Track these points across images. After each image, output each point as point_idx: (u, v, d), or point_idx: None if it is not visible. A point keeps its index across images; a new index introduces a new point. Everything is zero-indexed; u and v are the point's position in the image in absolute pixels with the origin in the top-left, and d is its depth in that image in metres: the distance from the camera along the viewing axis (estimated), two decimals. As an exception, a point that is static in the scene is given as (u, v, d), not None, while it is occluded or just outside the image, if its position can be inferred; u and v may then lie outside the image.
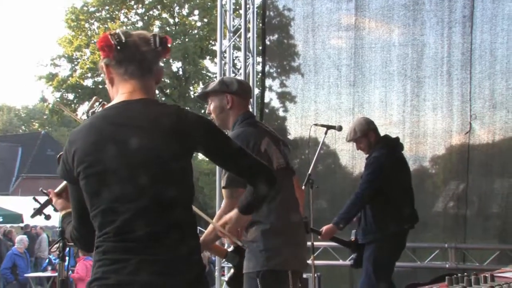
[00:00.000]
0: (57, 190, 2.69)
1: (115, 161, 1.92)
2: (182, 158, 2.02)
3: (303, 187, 4.61)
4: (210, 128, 2.12)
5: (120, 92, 2.08)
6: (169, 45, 2.12)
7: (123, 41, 2.04)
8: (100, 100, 2.48)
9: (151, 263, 1.86)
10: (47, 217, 3.05)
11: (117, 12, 28.31)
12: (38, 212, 3.08)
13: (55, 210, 2.83)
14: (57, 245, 3.74)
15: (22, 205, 18.58)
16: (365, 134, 4.98)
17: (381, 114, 6.69)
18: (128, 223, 1.90)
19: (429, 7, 6.52)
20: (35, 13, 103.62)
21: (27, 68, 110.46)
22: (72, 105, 28.02)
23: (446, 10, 6.46)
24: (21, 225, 17.32)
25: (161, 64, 2.19)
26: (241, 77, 7.14)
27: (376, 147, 4.96)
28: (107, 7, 28.37)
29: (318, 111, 6.90)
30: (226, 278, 3.68)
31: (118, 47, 2.04)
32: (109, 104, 2.11)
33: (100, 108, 2.40)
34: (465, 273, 2.80)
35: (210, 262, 12.00)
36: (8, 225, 17.22)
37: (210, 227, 3.26)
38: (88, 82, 28.53)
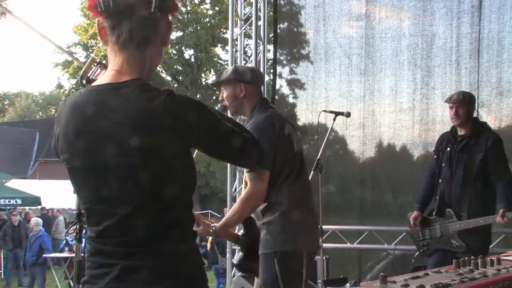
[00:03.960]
0: None
1: (96, 159, 1.68)
2: (175, 155, 1.70)
3: (311, 172, 4.61)
4: (201, 109, 1.76)
5: (110, 67, 1.78)
6: (174, 2, 1.77)
7: (115, 6, 1.69)
8: (98, 61, 2.18)
9: (136, 270, 1.67)
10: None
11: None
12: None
13: None
14: (74, 227, 3.77)
15: (40, 188, 18.76)
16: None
17: (391, 101, 6.70)
18: (113, 228, 1.69)
19: (439, -3, 6.48)
20: (51, 2, 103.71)
21: (44, 55, 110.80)
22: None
23: (455, 0, 6.43)
24: (39, 207, 17.46)
25: (169, 21, 1.81)
26: (251, 64, 7.12)
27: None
28: (120, -4, 28.37)
29: (328, 98, 6.90)
30: (235, 261, 3.69)
31: (107, 12, 1.70)
32: (97, 82, 1.82)
33: (99, 71, 2.15)
34: (472, 257, 2.80)
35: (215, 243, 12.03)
36: (27, 208, 17.38)
37: (233, 209, 3.28)
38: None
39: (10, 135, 34.14)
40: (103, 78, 1.78)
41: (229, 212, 3.37)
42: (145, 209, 1.68)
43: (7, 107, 54.89)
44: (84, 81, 2.16)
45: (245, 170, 3.29)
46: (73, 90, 29.40)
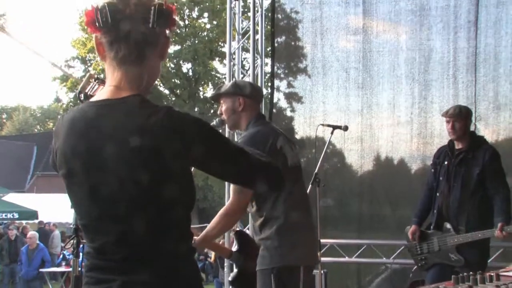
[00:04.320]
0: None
1: (93, 177, 1.66)
2: (173, 175, 1.68)
3: (309, 186, 4.61)
4: (203, 129, 1.74)
5: (108, 83, 1.76)
6: (174, 18, 1.75)
7: (110, 20, 1.66)
8: (96, 76, 2.16)
9: (134, 285, 1.65)
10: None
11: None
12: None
13: None
14: (71, 242, 3.76)
15: (37, 202, 18.69)
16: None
17: (389, 115, 6.72)
18: (110, 245, 1.68)
19: (435, 12, 6.54)
20: (50, 16, 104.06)
21: (42, 69, 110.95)
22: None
23: (451, 15, 6.48)
24: (36, 221, 17.38)
25: (166, 35, 1.78)
26: (249, 78, 7.13)
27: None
28: (119, 10, 28.47)
29: (326, 112, 6.90)
30: (230, 277, 3.66)
31: (105, 27, 1.69)
32: (95, 98, 1.79)
33: (97, 87, 2.13)
34: (471, 272, 2.77)
35: (217, 257, 12.01)
36: (24, 222, 17.29)
37: (213, 222, 3.26)
38: (101, 83, 28.63)
39: (8, 148, 34.09)
40: (102, 94, 1.77)
41: (209, 225, 3.35)
42: (143, 227, 1.66)
43: (5, 120, 54.87)
44: (82, 97, 2.14)
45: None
46: (71, 104, 29.40)
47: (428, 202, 4.94)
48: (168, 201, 1.67)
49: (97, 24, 1.68)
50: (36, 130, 51.53)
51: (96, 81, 2.14)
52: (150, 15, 1.69)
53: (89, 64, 29.05)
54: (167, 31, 1.79)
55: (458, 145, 4.80)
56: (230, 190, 3.31)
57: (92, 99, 1.81)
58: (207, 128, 1.76)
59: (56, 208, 17.16)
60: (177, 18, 1.82)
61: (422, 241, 4.95)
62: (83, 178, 1.69)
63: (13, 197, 19.51)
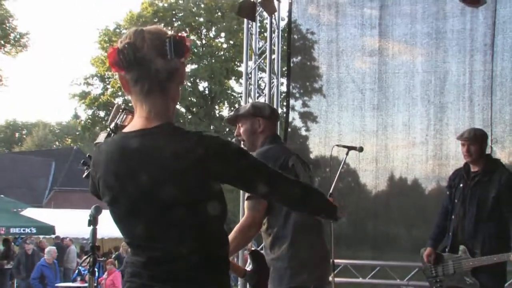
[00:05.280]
0: None
1: (136, 201, 1.80)
2: (208, 194, 1.82)
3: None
4: (233, 150, 1.89)
5: (138, 114, 1.88)
6: (188, 45, 1.85)
7: (133, 60, 1.80)
8: (123, 107, 2.26)
9: None
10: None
11: (148, 34, 28.64)
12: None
13: None
14: (87, 260, 3.77)
15: (54, 217, 18.76)
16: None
17: (404, 136, 6.68)
18: (155, 259, 1.81)
19: (451, 35, 6.52)
20: (70, 35, 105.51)
21: (61, 86, 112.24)
22: (103, 122, 28.31)
23: (467, 38, 6.47)
24: (53, 236, 17.42)
25: (183, 62, 1.91)
26: (265, 97, 7.15)
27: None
28: (138, 29, 28.75)
29: (341, 132, 6.89)
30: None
31: (129, 67, 1.82)
32: (129, 129, 1.90)
33: (125, 117, 2.23)
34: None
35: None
36: (41, 236, 17.34)
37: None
38: (119, 100, 28.82)
39: (27, 164, 34.38)
40: (134, 124, 1.89)
41: None
42: (185, 243, 1.80)
43: (24, 136, 55.44)
44: (113, 127, 2.23)
45: (245, 197, 3.27)
46: (89, 120, 29.60)
47: (443, 224, 4.87)
48: (206, 218, 1.82)
49: (120, 64, 1.82)
50: (54, 146, 51.98)
51: (124, 111, 2.25)
52: (166, 48, 1.81)
53: (107, 82, 29.30)
54: (183, 59, 1.90)
55: (474, 168, 4.74)
56: (245, 207, 3.29)
57: (126, 130, 1.93)
58: (236, 148, 1.93)
59: (72, 223, 17.20)
60: (190, 44, 1.91)
61: (437, 263, 4.88)
62: (127, 202, 1.83)
63: (31, 212, 19.61)
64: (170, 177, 1.76)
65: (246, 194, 3.21)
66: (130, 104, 2.08)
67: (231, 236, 3.24)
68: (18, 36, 32.35)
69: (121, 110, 2.25)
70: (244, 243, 3.32)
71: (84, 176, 3.15)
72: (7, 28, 31.85)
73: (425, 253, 4.92)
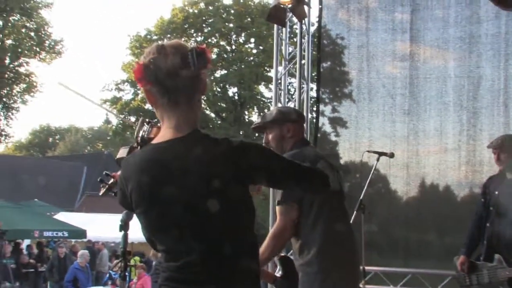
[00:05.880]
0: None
1: (173, 208, 1.86)
2: (237, 196, 1.91)
3: (355, 212, 4.55)
4: (260, 150, 2.00)
5: (166, 125, 1.96)
6: (209, 56, 1.93)
7: (159, 73, 1.89)
8: (147, 120, 2.32)
9: None
10: (116, 194, 3.07)
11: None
12: (107, 191, 3.12)
13: None
14: (119, 264, 3.80)
15: (86, 221, 19.02)
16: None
17: (436, 142, 6.58)
18: (193, 263, 1.87)
19: (485, 40, 6.40)
20: (101, 41, 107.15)
21: (93, 92, 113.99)
22: (134, 127, 28.61)
23: (502, 43, 6.34)
24: (85, 240, 17.66)
25: (205, 73, 1.98)
26: (295, 103, 7.12)
27: None
28: (168, 35, 29.04)
29: (372, 138, 6.82)
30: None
31: (154, 81, 1.90)
32: (158, 140, 1.97)
33: (150, 129, 2.27)
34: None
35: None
36: (73, 240, 17.59)
37: (263, 246, 3.23)
38: (149, 106, 29.08)
39: (60, 168, 34.99)
40: (164, 135, 1.96)
41: (260, 249, 3.33)
42: (223, 246, 1.87)
43: (57, 141, 56.40)
44: (140, 140, 2.27)
45: (276, 202, 3.26)
46: (120, 125, 29.99)
47: (477, 232, 4.78)
48: (240, 222, 1.92)
49: (147, 78, 1.90)
50: (86, 150, 52.74)
51: (149, 124, 2.29)
52: (189, 59, 1.88)
53: (138, 87, 29.61)
54: (205, 69, 1.97)
55: (509, 175, 4.65)
56: (276, 212, 3.29)
57: (155, 141, 1.99)
58: (263, 148, 2.06)
59: (103, 227, 17.40)
60: (211, 55, 1.99)
61: (471, 272, 4.78)
62: (163, 210, 1.88)
63: (63, 216, 19.92)
64: (206, 183, 1.84)
65: (277, 199, 3.20)
66: (155, 120, 2.16)
67: (265, 243, 3.24)
68: (52, 43, 33.02)
69: (145, 123, 2.30)
70: (279, 248, 3.31)
71: (101, 194, 3.20)
72: (43, 35, 32.52)
73: (459, 261, 4.82)
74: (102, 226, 17.81)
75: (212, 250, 1.87)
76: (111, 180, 3.11)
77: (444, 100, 6.56)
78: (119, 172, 2.70)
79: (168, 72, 1.88)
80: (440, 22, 6.59)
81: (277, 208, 3.21)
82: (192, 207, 1.85)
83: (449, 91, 6.55)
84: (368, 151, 5.20)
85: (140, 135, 2.28)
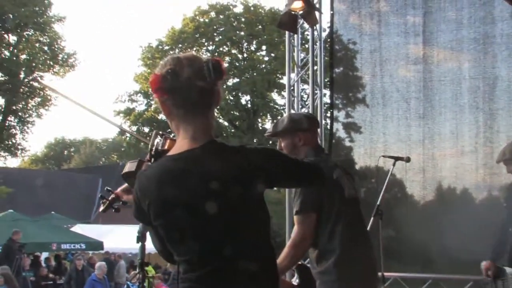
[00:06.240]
0: (122, 188, 2.81)
1: (195, 218, 1.88)
2: (256, 201, 1.97)
3: (372, 218, 4.52)
4: (270, 153, 2.05)
5: (182, 136, 1.99)
6: (223, 68, 1.97)
7: (175, 84, 1.92)
8: (161, 132, 2.33)
9: None
10: (117, 210, 3.09)
11: (189, 50, 29.02)
12: (108, 207, 3.12)
13: (124, 203, 2.92)
14: (136, 276, 3.82)
15: (103, 232, 19.10)
16: None
17: (453, 145, 6.51)
18: (210, 273, 1.89)
19: (500, 40, 6.34)
20: (113, 53, 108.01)
21: (106, 103, 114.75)
22: (148, 138, 28.72)
23: (518, 43, 6.27)
24: (102, 252, 17.72)
25: (220, 84, 2.03)
26: (309, 109, 7.10)
27: None
28: (180, 45, 29.21)
29: (387, 143, 6.78)
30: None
31: (171, 91, 1.94)
32: (174, 151, 1.99)
33: (164, 141, 2.27)
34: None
35: None
36: (90, 252, 17.66)
37: (282, 255, 3.21)
38: (162, 116, 29.20)
39: (75, 181, 35.22)
40: (180, 146, 1.98)
41: (278, 258, 3.31)
42: (247, 252, 1.90)
43: (72, 154, 56.81)
44: (154, 153, 2.27)
45: (294, 212, 3.24)
46: (133, 137, 30.14)
47: (504, 237, 4.70)
48: (260, 226, 1.97)
49: (164, 89, 1.93)
50: (101, 162, 53.03)
51: (163, 136, 2.29)
52: (204, 72, 1.92)
53: (151, 98, 29.75)
54: (220, 81, 2.00)
55: None
56: (295, 221, 3.27)
57: (172, 153, 2.00)
58: (273, 151, 2.10)
59: (120, 238, 17.45)
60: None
61: (497, 277, 4.69)
62: (187, 221, 1.88)
63: (80, 228, 20.02)
64: (226, 192, 1.87)
65: (295, 209, 3.19)
66: (168, 130, 2.19)
67: (284, 252, 3.23)
68: (66, 57, 33.35)
69: (159, 136, 2.30)
70: (299, 257, 3.29)
71: (101, 210, 3.21)
72: (56, 49, 32.87)
73: (484, 266, 4.75)
74: (119, 237, 17.86)
75: (232, 258, 1.88)
76: (112, 196, 3.09)
77: (459, 102, 6.50)
78: (124, 186, 2.71)
79: (184, 83, 1.92)
80: (453, 23, 6.54)
81: (295, 217, 3.19)
82: (214, 216, 1.87)
83: (464, 93, 6.49)
84: (384, 156, 5.16)
85: (154, 147, 2.27)
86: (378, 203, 4.62)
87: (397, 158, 4.93)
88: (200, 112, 1.97)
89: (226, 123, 29.60)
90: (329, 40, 7.40)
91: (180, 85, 1.92)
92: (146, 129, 29.63)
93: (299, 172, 2.13)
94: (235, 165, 1.91)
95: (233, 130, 28.99)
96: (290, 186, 2.87)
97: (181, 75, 1.92)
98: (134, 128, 29.71)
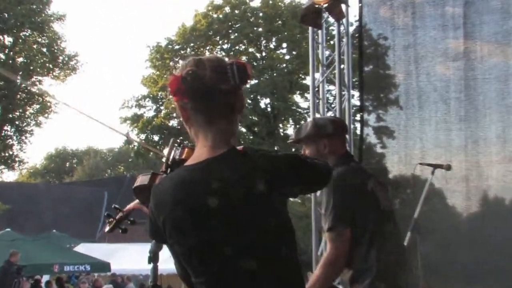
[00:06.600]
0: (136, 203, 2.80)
1: (212, 233, 1.90)
2: (282, 215, 1.98)
3: (408, 233, 4.51)
4: (295, 161, 2.05)
5: (202, 144, 2.02)
6: (249, 72, 2.01)
7: (196, 87, 1.95)
8: (178, 141, 2.40)
9: None
10: (124, 231, 3.10)
11: (202, 49, 29.17)
12: (114, 227, 3.13)
13: (132, 223, 2.98)
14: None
15: (109, 252, 19.21)
16: None
17: (499, 150, 6.43)
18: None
19: (555, 29, 6.28)
20: (119, 55, 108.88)
21: (111, 110, 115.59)
22: (158, 147, 28.87)
23: None
24: (109, 273, 17.81)
25: (242, 89, 2.07)
26: (336, 113, 7.10)
27: None
28: (192, 44, 29.30)
29: (424, 149, 6.72)
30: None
31: (192, 95, 1.98)
32: (193, 161, 2.02)
33: (182, 151, 2.33)
34: None
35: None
36: (96, 274, 17.77)
37: (314, 276, 3.22)
38: (174, 122, 29.35)
39: (78, 195, 35.54)
40: (199, 155, 2.00)
41: (312, 277, 3.31)
42: (268, 269, 1.90)
43: (75, 165, 57.32)
44: (170, 163, 2.31)
45: (325, 229, 3.25)
46: (142, 147, 30.28)
47: None
48: (284, 242, 1.96)
49: (184, 92, 1.96)
50: (106, 174, 53.44)
51: (181, 145, 2.35)
52: (228, 74, 1.95)
53: (160, 103, 29.92)
54: (244, 86, 2.04)
55: None
56: (327, 239, 3.28)
57: (189, 163, 2.03)
58: (297, 158, 2.08)
59: (129, 258, 17.54)
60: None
61: None
62: (207, 237, 1.90)
63: (84, 248, 20.15)
64: (247, 204, 1.90)
65: (327, 225, 3.18)
66: (181, 138, 2.18)
67: (316, 273, 3.24)
68: (66, 59, 33.69)
69: (176, 145, 2.35)
70: (332, 278, 3.29)
71: (106, 230, 3.23)
72: (55, 51, 33.19)
73: None
74: (127, 258, 17.97)
75: (255, 277, 1.89)
76: (119, 215, 3.11)
77: (507, 103, 6.42)
78: (134, 203, 2.73)
79: (206, 86, 1.94)
80: (498, 13, 6.46)
81: (328, 234, 3.19)
82: (235, 231, 1.89)
83: (511, 91, 6.44)
84: (421, 164, 5.16)
85: (171, 157, 2.30)
86: (415, 216, 4.61)
87: (436, 166, 4.93)
88: (221, 118, 1.99)
89: (243, 129, 29.65)
90: (357, 35, 7.40)
91: (201, 89, 1.95)
92: (156, 138, 29.77)
93: (318, 179, 2.16)
94: (256, 175, 1.92)
95: (251, 137, 29.01)
96: (309, 193, 2.83)
97: (203, 77, 1.95)
98: (143, 136, 29.86)
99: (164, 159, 2.41)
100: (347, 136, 4.53)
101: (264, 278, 1.90)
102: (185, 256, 1.96)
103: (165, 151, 2.41)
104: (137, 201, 2.67)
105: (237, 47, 29.81)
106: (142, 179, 2.53)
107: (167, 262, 2.61)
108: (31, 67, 32.11)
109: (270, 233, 1.93)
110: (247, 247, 1.90)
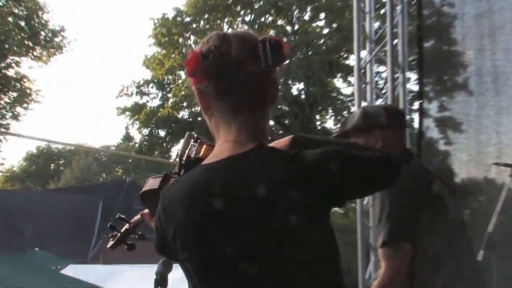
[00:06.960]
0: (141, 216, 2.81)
1: (232, 247, 1.86)
2: (320, 228, 1.92)
3: (481, 251, 4.51)
4: (339, 159, 1.93)
5: (224, 139, 2.00)
6: (285, 50, 1.97)
7: (221, 67, 1.93)
8: (195, 136, 2.39)
9: None
10: (131, 247, 3.10)
11: (219, 22, 29.21)
12: (119, 242, 3.13)
13: (140, 238, 2.98)
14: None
15: (104, 275, 19.36)
16: None
17: None
18: None
19: None
20: (115, 28, 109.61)
21: (107, 99, 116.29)
22: (164, 144, 29.02)
23: None
24: (104, 301, 17.98)
25: (276, 74, 2.04)
26: (387, 100, 7.09)
27: None
28: (206, 16, 29.31)
29: (501, 145, 6.69)
30: None
31: (215, 76, 1.95)
32: (211, 159, 2.00)
33: (199, 147, 2.33)
34: None
35: None
36: (88, 302, 17.93)
37: None
38: (183, 114, 29.45)
39: (67, 205, 35.68)
40: (220, 152, 1.98)
41: None
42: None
43: (62, 168, 57.79)
44: (184, 161, 2.33)
45: (378, 245, 3.26)
46: (145, 143, 30.43)
47: None
48: (324, 260, 1.91)
49: (205, 73, 1.93)
50: (101, 179, 53.86)
51: (198, 140, 2.36)
52: (260, 53, 1.92)
53: (168, 89, 30.04)
54: (278, 68, 2.01)
55: None
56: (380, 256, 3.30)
57: (208, 161, 2.01)
58: (340, 154, 1.95)
59: (128, 282, 17.68)
60: (288, 51, 2.00)
61: None
62: (223, 253, 1.86)
63: (74, 270, 20.34)
64: (276, 213, 1.84)
65: (381, 239, 3.19)
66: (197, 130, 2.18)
67: None
68: (50, 35, 33.84)
69: (193, 140, 2.36)
70: None
71: (109, 246, 3.23)
72: (36, 24, 33.30)
73: None
74: (126, 281, 18.08)
75: None
76: (126, 227, 3.11)
77: None
78: (145, 212, 2.74)
79: (232, 67, 1.92)
80: None
81: (382, 250, 3.21)
82: (261, 246, 1.85)
83: None
84: (497, 164, 5.15)
85: (185, 154, 2.32)
86: (489, 229, 4.61)
87: (516, 167, 4.91)
88: (250, 107, 1.97)
89: (271, 122, 29.70)
90: (414, 2, 7.37)
91: (226, 70, 1.93)
92: (162, 133, 29.93)
93: (372, 177, 2.04)
94: (288, 180, 1.87)
95: (281, 132, 29.01)
96: (359, 197, 2.76)
97: (228, 55, 1.92)
98: (146, 130, 30.02)
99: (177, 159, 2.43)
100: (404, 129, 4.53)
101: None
102: (199, 274, 1.93)
103: (178, 148, 2.42)
104: (146, 211, 2.68)
105: (262, 19, 29.87)
106: (151, 183, 2.53)
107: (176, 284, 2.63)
108: (6, 45, 32.28)
109: (308, 251, 1.88)
110: (274, 267, 1.86)
